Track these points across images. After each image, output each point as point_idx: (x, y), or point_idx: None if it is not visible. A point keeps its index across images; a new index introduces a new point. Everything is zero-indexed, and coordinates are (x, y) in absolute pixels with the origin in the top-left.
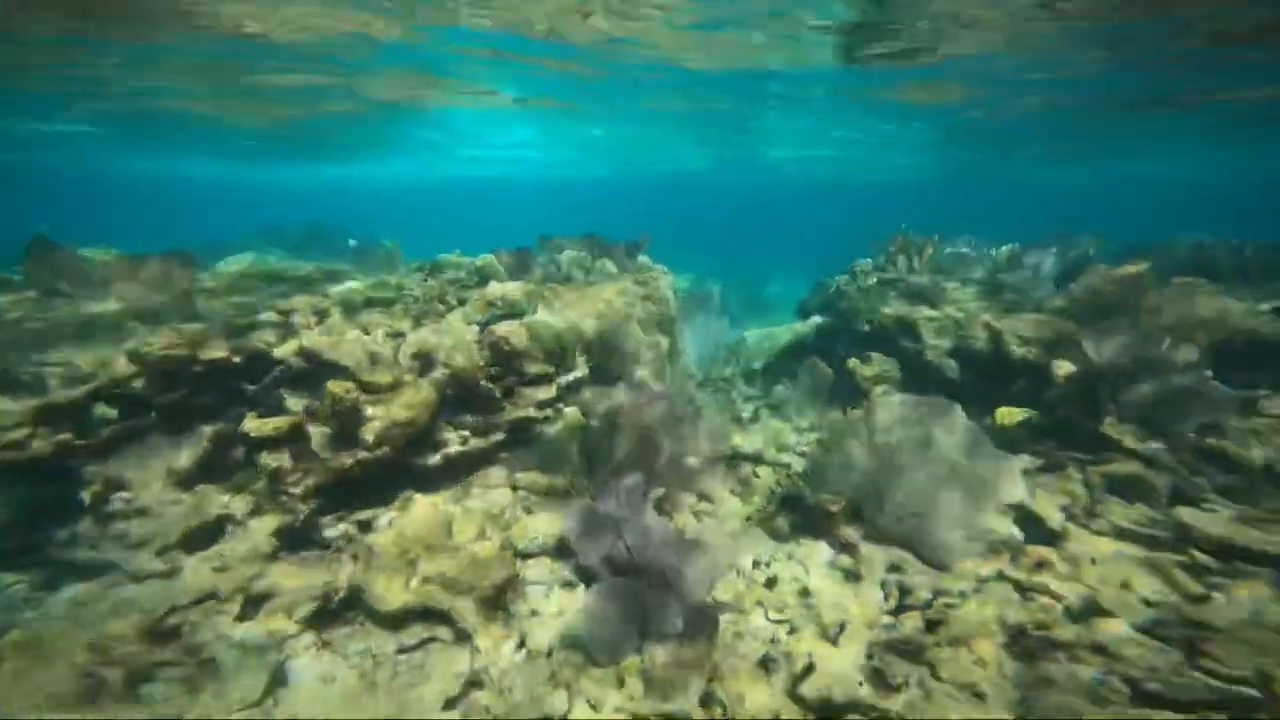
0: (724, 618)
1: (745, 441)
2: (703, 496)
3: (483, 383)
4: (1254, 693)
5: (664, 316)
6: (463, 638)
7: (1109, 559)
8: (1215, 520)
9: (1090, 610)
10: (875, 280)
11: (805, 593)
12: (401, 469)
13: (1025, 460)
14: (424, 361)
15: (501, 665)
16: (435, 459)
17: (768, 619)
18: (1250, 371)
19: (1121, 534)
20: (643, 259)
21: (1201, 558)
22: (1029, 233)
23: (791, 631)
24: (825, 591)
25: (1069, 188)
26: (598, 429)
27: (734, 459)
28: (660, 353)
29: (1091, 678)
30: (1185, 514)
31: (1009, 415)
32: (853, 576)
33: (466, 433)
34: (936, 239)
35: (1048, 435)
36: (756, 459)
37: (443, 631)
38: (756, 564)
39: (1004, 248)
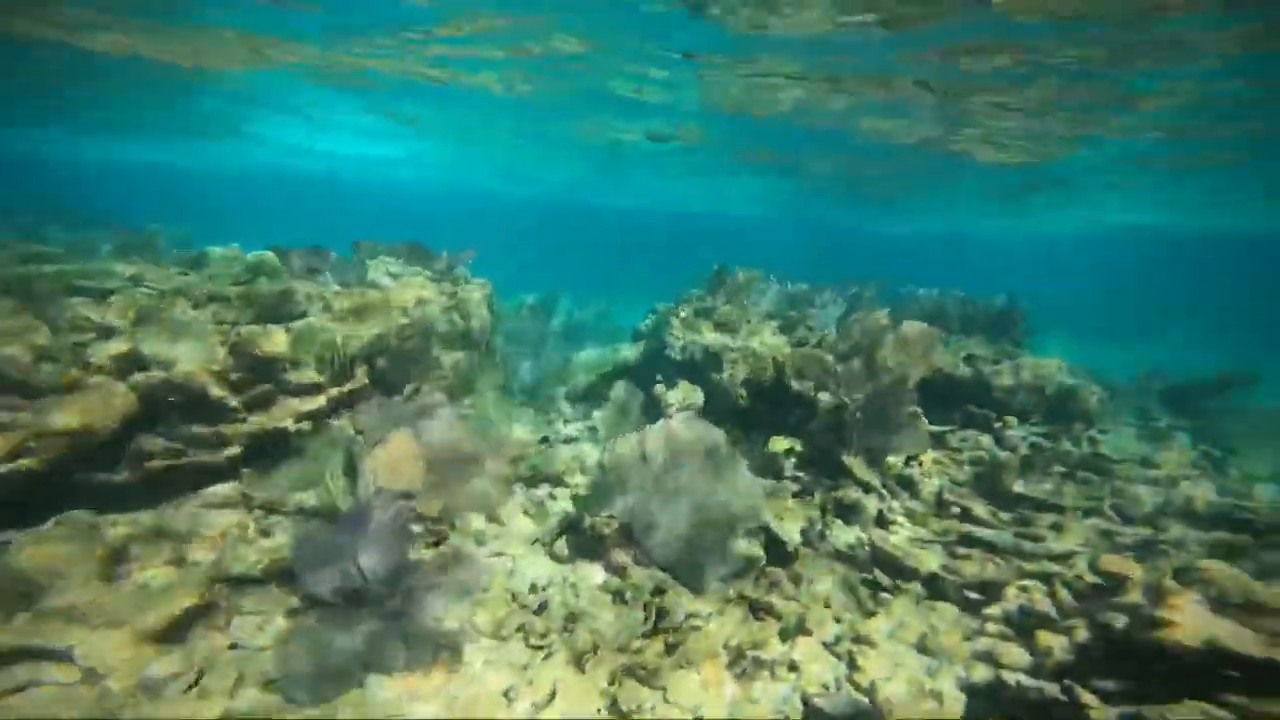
0: (479, 645)
1: (551, 462)
2: (493, 519)
3: (213, 390)
4: (866, 702)
5: (473, 330)
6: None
7: (823, 578)
8: (896, 542)
9: (797, 629)
10: (693, 311)
11: (572, 617)
12: (73, 486)
13: (787, 485)
14: (133, 362)
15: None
16: (125, 475)
17: (527, 645)
18: (947, 408)
19: (837, 554)
20: (460, 270)
21: (881, 576)
22: (859, 275)
23: (547, 658)
24: (589, 615)
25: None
26: (369, 444)
27: (535, 480)
28: (462, 368)
29: (781, 694)
30: (877, 535)
31: (779, 444)
32: (619, 599)
33: (180, 445)
34: (756, 275)
35: (810, 462)
36: (558, 481)
37: (53, 672)
38: (534, 588)
39: (801, 286)
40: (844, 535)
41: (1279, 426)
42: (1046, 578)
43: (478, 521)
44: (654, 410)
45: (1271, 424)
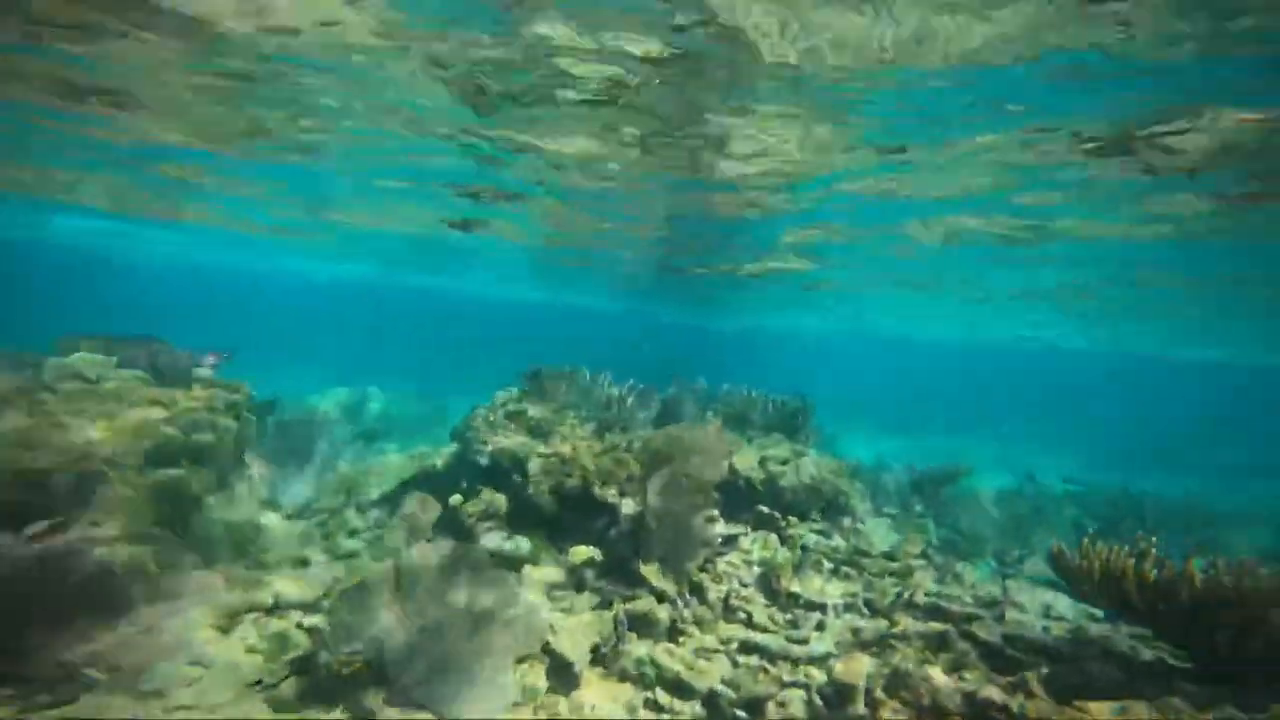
0: None
1: (298, 589)
2: (196, 660)
3: None
4: None
5: (206, 442)
6: None
7: (605, 704)
8: (683, 654)
9: None
10: (504, 412)
11: None
12: None
13: (587, 597)
14: None
15: None
16: None
17: None
18: (744, 509)
19: (624, 674)
20: (203, 372)
21: (663, 696)
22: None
23: None
24: None
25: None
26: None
27: (275, 610)
28: (173, 487)
29: None
30: (660, 650)
31: (580, 554)
32: None
33: None
34: (573, 374)
35: (611, 571)
36: (312, 608)
37: None
38: None
39: (617, 388)
40: (637, 650)
41: (994, 509)
42: (806, 686)
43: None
44: (455, 522)
45: (985, 506)
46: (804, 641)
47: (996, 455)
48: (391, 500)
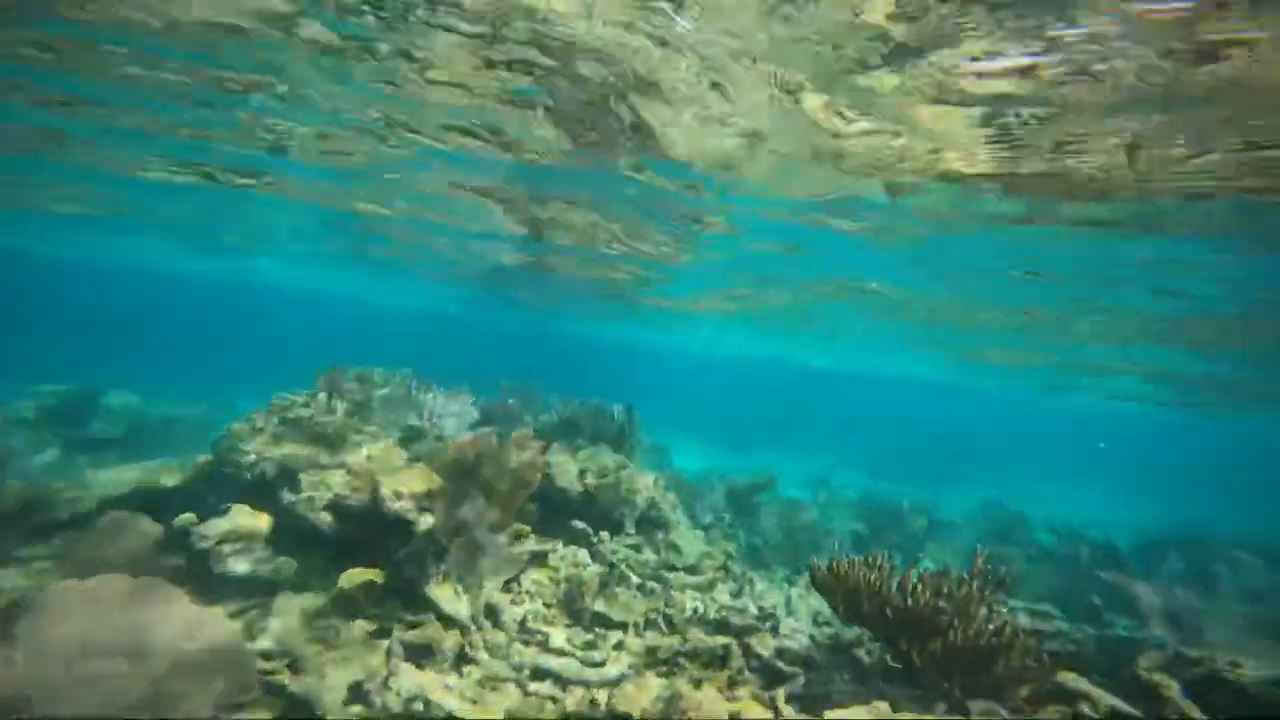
0: None
1: None
2: None
3: None
4: None
5: None
6: None
7: None
8: (458, 690)
9: None
10: (279, 418)
11: None
12: None
13: (358, 627)
14: None
15: None
16: None
17: None
18: (560, 523)
19: (389, 714)
20: None
21: None
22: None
23: None
24: None
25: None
26: None
27: None
28: None
29: None
30: (437, 683)
31: (354, 577)
32: None
33: None
34: (376, 377)
35: (395, 595)
36: None
37: None
38: None
39: (432, 393)
40: (408, 683)
41: (790, 516)
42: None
43: None
44: (185, 546)
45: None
46: (601, 664)
47: (810, 470)
48: (81, 523)
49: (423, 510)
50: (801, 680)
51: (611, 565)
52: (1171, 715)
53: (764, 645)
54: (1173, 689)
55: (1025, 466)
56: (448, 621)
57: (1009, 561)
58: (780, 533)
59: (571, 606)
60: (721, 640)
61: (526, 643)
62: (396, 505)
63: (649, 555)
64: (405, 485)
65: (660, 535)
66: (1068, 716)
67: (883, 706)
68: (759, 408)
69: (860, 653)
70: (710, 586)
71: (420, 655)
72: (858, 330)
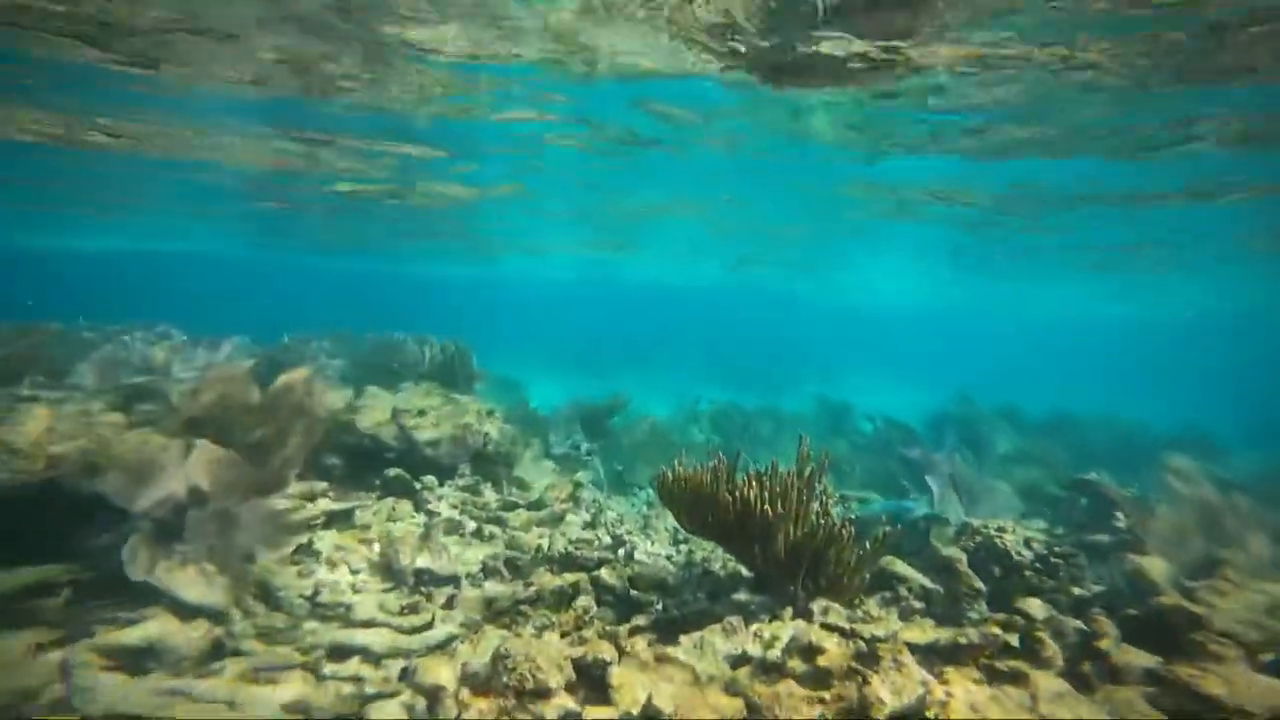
0: None
1: None
2: None
3: None
4: None
5: None
6: None
7: None
8: (195, 695)
9: None
10: None
11: None
12: None
13: (25, 637)
14: None
15: None
16: None
17: None
18: (372, 475)
19: None
20: None
21: None
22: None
23: None
24: None
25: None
26: None
27: None
28: None
29: None
30: (148, 692)
31: (15, 580)
32: None
33: None
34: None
35: (98, 592)
36: None
37: None
38: None
39: (164, 345)
40: (113, 694)
41: (650, 435)
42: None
43: None
44: None
45: (645, 434)
46: (426, 627)
47: (668, 388)
48: None
49: (143, 483)
50: (659, 606)
51: (434, 514)
52: (962, 586)
53: (616, 575)
54: (962, 561)
55: (851, 364)
56: (190, 612)
57: (837, 452)
58: (639, 453)
59: (390, 568)
60: (570, 578)
61: (325, 619)
62: (95, 483)
63: (489, 496)
64: (117, 453)
65: (502, 473)
66: (889, 601)
67: (734, 622)
68: (614, 332)
69: (714, 566)
70: (559, 520)
71: (142, 659)
72: (698, 244)
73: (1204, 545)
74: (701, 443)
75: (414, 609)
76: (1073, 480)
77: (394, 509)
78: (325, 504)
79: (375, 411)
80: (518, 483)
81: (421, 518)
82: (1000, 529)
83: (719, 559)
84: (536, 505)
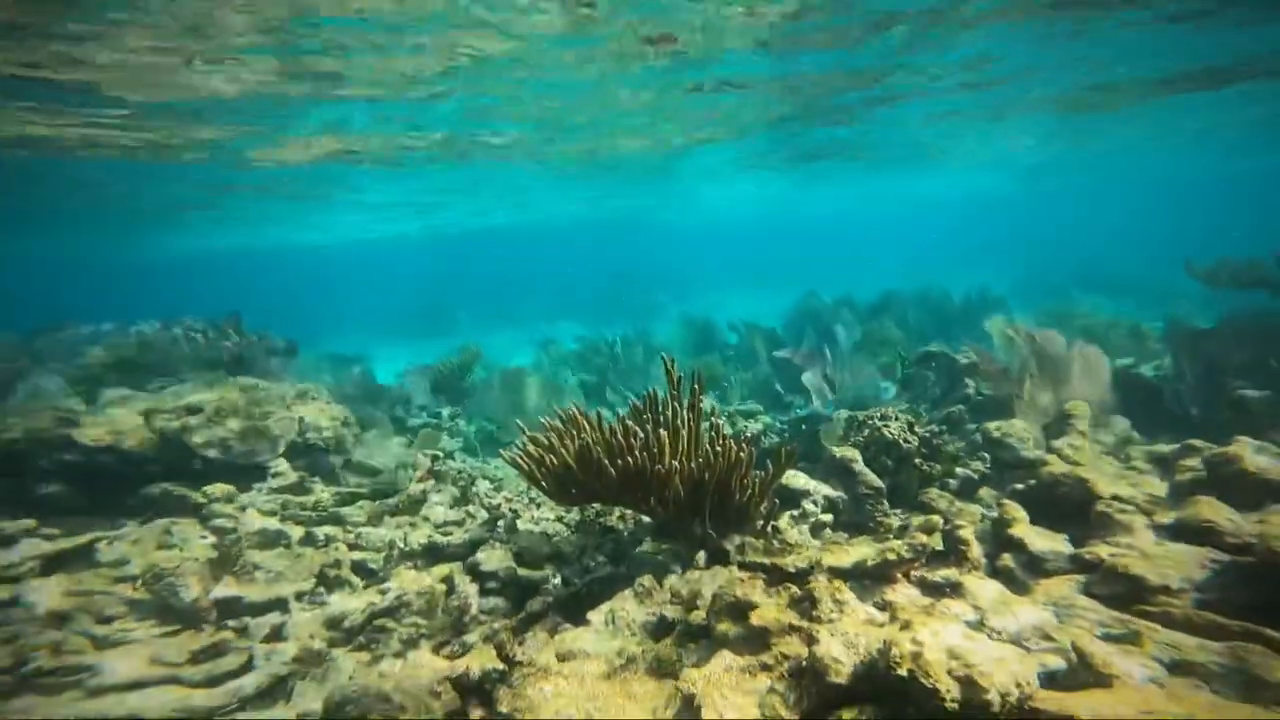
0: None
1: None
2: None
3: None
4: None
5: None
6: None
7: None
8: None
9: None
10: None
11: None
12: None
13: None
14: None
15: None
16: None
17: None
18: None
19: None
20: None
21: None
22: None
23: None
24: None
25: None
26: None
27: None
28: None
29: None
30: None
31: None
32: None
33: None
34: None
35: None
36: None
37: None
38: None
39: None
40: None
41: (517, 384)
42: None
43: None
44: None
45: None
46: (238, 672)
47: (524, 335)
48: None
49: None
50: (555, 581)
51: (230, 530)
52: (862, 487)
53: (497, 557)
54: (858, 460)
55: (704, 279)
56: None
57: (711, 367)
58: (509, 407)
59: (169, 607)
60: (439, 571)
61: (51, 690)
62: None
63: (320, 493)
64: None
65: (335, 461)
66: (798, 519)
67: (646, 583)
68: (452, 286)
69: (612, 519)
70: (418, 504)
71: None
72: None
73: (1054, 400)
74: (574, 384)
75: (216, 652)
76: (919, 355)
77: (168, 533)
78: (35, 546)
79: (121, 417)
80: (360, 469)
81: (205, 541)
82: (884, 417)
83: (615, 510)
84: (386, 492)
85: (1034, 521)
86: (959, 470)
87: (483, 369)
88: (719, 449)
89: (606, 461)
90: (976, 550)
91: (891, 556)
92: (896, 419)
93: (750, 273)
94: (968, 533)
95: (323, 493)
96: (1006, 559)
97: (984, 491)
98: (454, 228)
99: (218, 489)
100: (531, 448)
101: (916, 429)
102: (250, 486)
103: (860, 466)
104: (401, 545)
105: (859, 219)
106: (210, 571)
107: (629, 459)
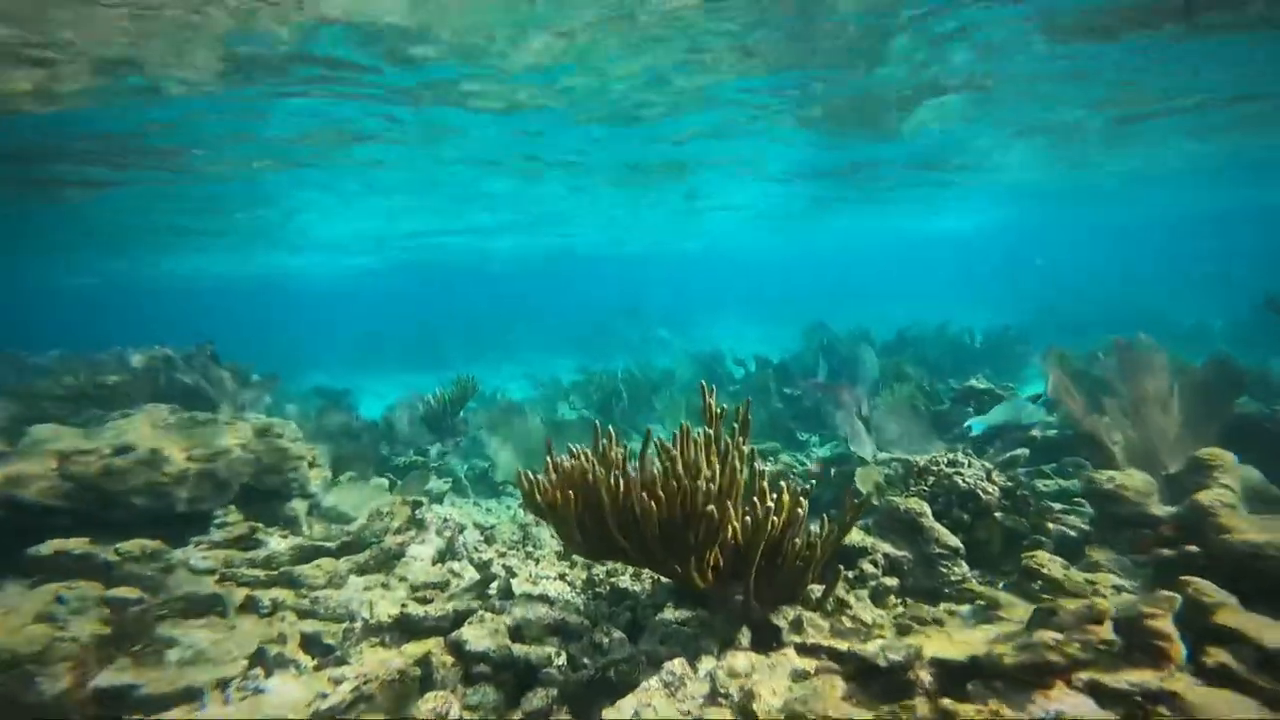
0: None
1: None
2: None
3: None
4: None
5: None
6: None
7: None
8: None
9: None
10: None
11: None
12: None
13: None
14: None
15: None
16: None
17: None
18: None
19: None
20: None
21: None
22: None
23: None
24: None
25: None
26: None
27: None
28: None
29: None
30: None
31: None
32: None
33: None
34: None
35: None
36: None
37: None
38: None
39: None
40: None
41: (516, 419)
42: None
43: None
44: None
45: (510, 418)
46: None
47: (523, 370)
48: None
49: None
50: (561, 662)
51: (130, 601)
52: (934, 546)
53: (488, 631)
54: (928, 515)
55: (699, 312)
56: None
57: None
58: (506, 444)
59: (14, 706)
60: (414, 651)
61: None
62: None
63: (276, 545)
64: None
65: (296, 508)
66: (855, 582)
67: (676, 670)
68: (449, 317)
69: (624, 579)
70: (393, 559)
71: None
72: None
73: (1175, 444)
74: (573, 418)
75: None
76: (961, 390)
77: (60, 601)
78: None
79: (35, 459)
80: (329, 515)
81: (116, 609)
82: (953, 463)
83: (627, 569)
84: (356, 545)
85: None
86: (1052, 527)
87: (478, 403)
88: (772, 501)
89: (650, 506)
90: (1180, 647)
91: (1054, 658)
92: (970, 464)
93: (740, 307)
94: (1164, 623)
95: (278, 546)
96: (1219, 656)
97: (1099, 554)
98: (452, 255)
99: (134, 545)
100: (539, 484)
101: (995, 476)
102: (189, 540)
103: (931, 521)
104: (367, 616)
105: (857, 253)
106: (98, 653)
107: (671, 509)
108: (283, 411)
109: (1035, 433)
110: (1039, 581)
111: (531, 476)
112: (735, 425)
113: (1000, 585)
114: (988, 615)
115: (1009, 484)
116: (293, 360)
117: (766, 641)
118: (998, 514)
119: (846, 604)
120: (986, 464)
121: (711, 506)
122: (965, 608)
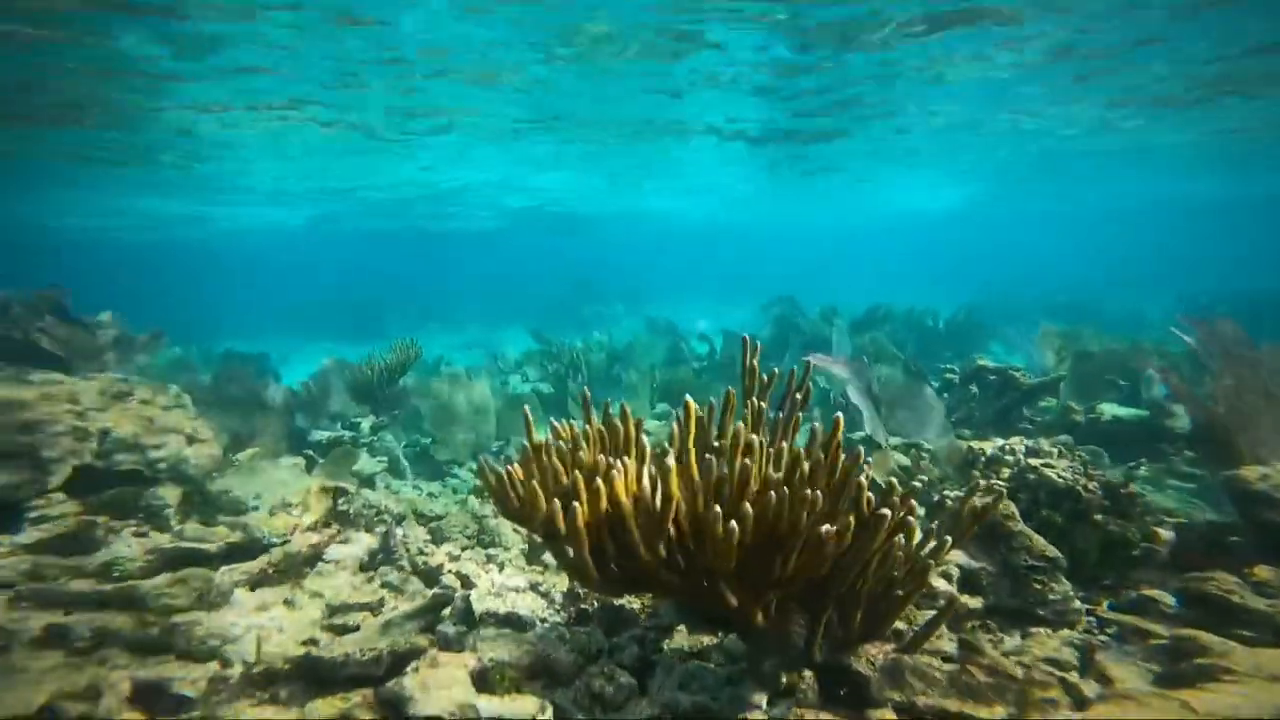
0: None
1: None
2: None
3: None
4: None
5: None
6: None
7: None
8: None
9: None
10: None
11: None
12: None
13: None
14: None
15: None
16: None
17: None
18: None
19: None
20: None
21: None
22: None
23: None
24: None
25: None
26: None
27: None
28: None
29: None
30: None
31: None
32: None
33: None
34: None
35: None
36: None
37: None
38: None
39: None
40: None
41: (463, 388)
42: None
43: None
44: None
45: (455, 387)
46: None
47: (468, 339)
48: None
49: None
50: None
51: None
52: (1024, 557)
53: (438, 689)
54: (1015, 516)
55: (655, 281)
56: None
57: (682, 381)
58: (451, 416)
59: None
60: (325, 711)
61: None
62: None
63: (123, 548)
64: None
65: (170, 494)
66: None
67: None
68: (387, 284)
69: (630, 605)
70: (297, 569)
71: None
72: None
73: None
74: (528, 391)
75: None
76: (970, 370)
77: None
78: None
79: None
80: (219, 505)
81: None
82: (1035, 452)
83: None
84: (249, 546)
85: None
86: (1164, 535)
87: (419, 372)
88: (868, 511)
89: (714, 535)
90: None
91: None
92: (1061, 454)
93: (695, 282)
94: None
95: (124, 549)
96: None
97: (1264, 573)
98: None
99: None
100: (511, 481)
101: (1092, 471)
102: None
103: (1020, 524)
104: (249, 656)
105: (814, 229)
106: None
107: (760, 527)
108: (179, 379)
109: (1078, 417)
110: (1214, 611)
111: (500, 470)
112: (797, 396)
113: (1104, 604)
114: (1190, 666)
115: (1110, 481)
116: (217, 329)
117: (842, 696)
118: (1097, 516)
119: (975, 646)
120: (1082, 454)
121: (828, 526)
122: (1122, 649)
